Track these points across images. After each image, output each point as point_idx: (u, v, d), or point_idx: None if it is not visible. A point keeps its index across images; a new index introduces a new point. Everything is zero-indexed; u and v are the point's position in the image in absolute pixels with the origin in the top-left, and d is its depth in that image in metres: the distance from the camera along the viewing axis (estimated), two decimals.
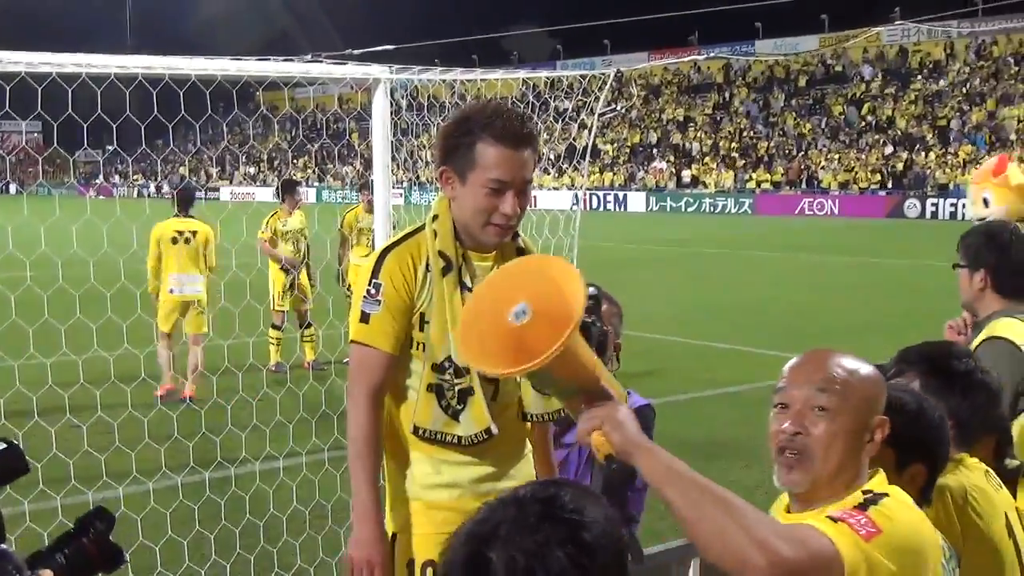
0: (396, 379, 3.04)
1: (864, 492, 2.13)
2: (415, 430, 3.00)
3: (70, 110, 5.60)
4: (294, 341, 11.58)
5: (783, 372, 2.26)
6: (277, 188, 12.23)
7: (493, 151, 2.83)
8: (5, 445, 1.87)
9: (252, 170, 67.62)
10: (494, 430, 2.98)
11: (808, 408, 2.16)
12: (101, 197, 49.60)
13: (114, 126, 5.78)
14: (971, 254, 3.94)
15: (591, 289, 3.83)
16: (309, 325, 11.46)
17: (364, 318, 2.95)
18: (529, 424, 3.18)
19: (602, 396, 2.11)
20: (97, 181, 64.11)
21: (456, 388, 2.98)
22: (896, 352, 2.94)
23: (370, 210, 11.89)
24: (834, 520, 2.00)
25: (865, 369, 2.22)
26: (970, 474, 2.68)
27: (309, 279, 11.63)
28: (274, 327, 11.31)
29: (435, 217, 2.99)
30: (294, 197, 11.78)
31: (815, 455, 2.15)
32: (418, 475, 3.02)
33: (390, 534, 3.05)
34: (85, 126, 5.58)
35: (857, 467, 2.19)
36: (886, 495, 2.11)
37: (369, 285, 2.96)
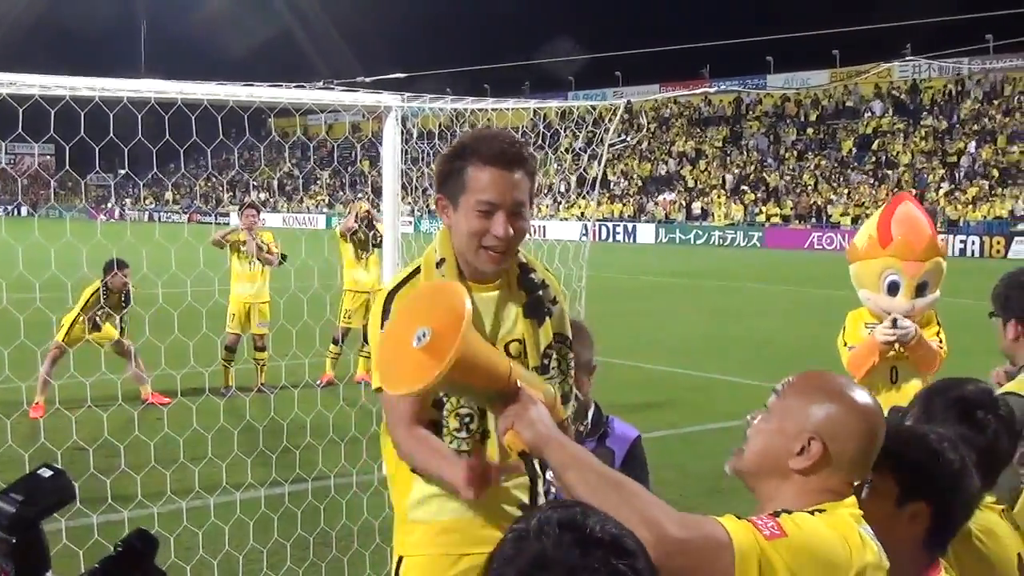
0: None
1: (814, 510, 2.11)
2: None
3: (83, 133, 5.63)
4: (302, 366, 11.53)
5: None
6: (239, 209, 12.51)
7: (482, 173, 2.80)
8: (52, 472, 1.80)
9: (263, 195, 67.84)
10: None
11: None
12: (111, 220, 49.81)
13: (126, 150, 5.80)
14: (1000, 303, 3.84)
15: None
16: (264, 348, 11.48)
17: None
18: None
19: (520, 398, 2.25)
20: (107, 205, 64.40)
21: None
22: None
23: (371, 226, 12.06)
24: (739, 518, 2.04)
25: (827, 384, 2.22)
26: (981, 515, 2.63)
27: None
28: (227, 349, 11.31)
29: (442, 261, 2.95)
30: (247, 217, 11.89)
31: (747, 443, 2.26)
32: (424, 498, 2.99)
33: (396, 557, 3.03)
34: (98, 149, 5.61)
35: (778, 470, 2.18)
36: (811, 512, 2.09)
37: (381, 328, 2.91)
